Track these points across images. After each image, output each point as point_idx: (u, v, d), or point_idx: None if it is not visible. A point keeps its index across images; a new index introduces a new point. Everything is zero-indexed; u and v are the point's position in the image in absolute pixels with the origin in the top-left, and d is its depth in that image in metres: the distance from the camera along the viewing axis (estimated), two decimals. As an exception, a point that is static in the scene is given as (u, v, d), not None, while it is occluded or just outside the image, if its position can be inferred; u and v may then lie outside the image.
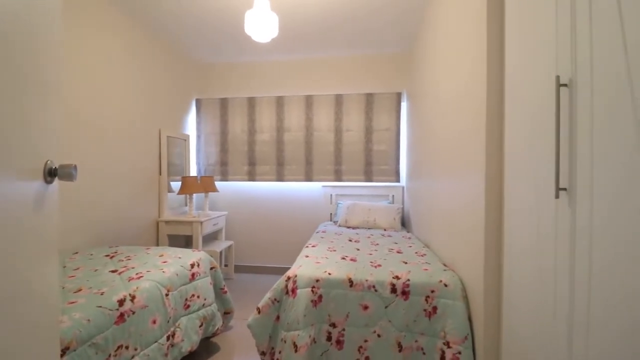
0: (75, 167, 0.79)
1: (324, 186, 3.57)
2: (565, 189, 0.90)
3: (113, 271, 1.64)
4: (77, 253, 1.97)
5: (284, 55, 3.43)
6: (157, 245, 2.98)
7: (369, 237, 2.55)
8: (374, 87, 3.42)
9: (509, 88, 1.25)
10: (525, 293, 1.11)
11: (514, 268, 1.19)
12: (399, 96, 3.36)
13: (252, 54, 3.41)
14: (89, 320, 1.19)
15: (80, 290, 1.39)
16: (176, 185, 3.21)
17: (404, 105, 3.38)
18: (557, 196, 0.90)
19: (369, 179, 3.43)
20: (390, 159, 3.40)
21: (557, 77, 0.91)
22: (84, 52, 2.19)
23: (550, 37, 0.97)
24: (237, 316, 2.37)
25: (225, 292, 2.14)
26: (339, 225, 3.14)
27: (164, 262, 1.83)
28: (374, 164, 3.42)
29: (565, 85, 0.90)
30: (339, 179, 3.47)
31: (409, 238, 2.55)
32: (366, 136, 3.42)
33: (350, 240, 2.42)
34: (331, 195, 3.55)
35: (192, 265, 1.90)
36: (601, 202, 0.76)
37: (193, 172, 3.65)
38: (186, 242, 3.37)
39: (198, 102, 3.66)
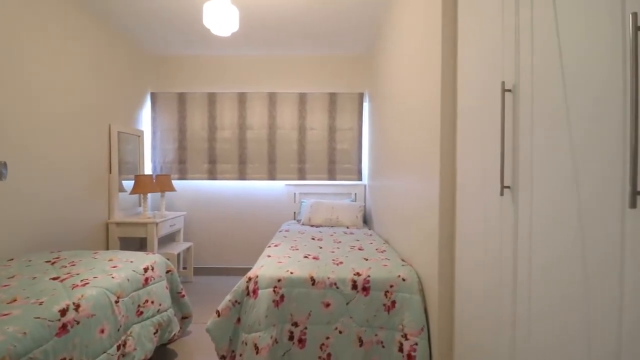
0: (5, 164, 0.71)
1: (287, 185, 3.54)
2: (509, 187, 0.97)
3: (54, 278, 1.49)
4: (12, 260, 1.77)
5: (246, 51, 3.35)
6: (107, 249, 2.77)
7: (331, 235, 2.57)
8: (337, 87, 3.46)
9: (461, 93, 1.33)
10: (474, 283, 1.19)
11: (465, 260, 1.27)
12: (361, 96, 3.43)
13: (212, 48, 3.29)
14: (24, 333, 1.07)
15: (15, 300, 1.25)
16: (129, 184, 3.00)
17: (366, 106, 3.46)
18: (501, 194, 0.97)
19: (332, 177, 3.47)
20: (352, 158, 3.46)
21: (502, 83, 0.98)
22: (22, 38, 1.97)
23: (497, 47, 1.04)
24: (196, 320, 2.26)
25: (183, 295, 2.05)
26: (303, 224, 3.14)
27: (114, 267, 1.70)
28: (337, 162, 3.46)
29: (509, 90, 0.97)
30: (302, 177, 3.46)
31: (370, 235, 2.62)
32: (329, 135, 3.44)
33: (313, 239, 2.42)
34: (295, 193, 3.53)
35: (146, 269, 1.79)
36: (540, 199, 0.83)
37: (148, 170, 3.44)
38: (141, 245, 3.18)
39: (153, 96, 3.46)
